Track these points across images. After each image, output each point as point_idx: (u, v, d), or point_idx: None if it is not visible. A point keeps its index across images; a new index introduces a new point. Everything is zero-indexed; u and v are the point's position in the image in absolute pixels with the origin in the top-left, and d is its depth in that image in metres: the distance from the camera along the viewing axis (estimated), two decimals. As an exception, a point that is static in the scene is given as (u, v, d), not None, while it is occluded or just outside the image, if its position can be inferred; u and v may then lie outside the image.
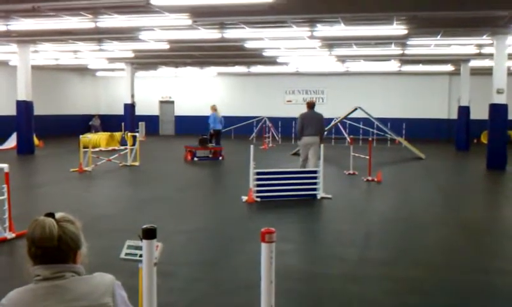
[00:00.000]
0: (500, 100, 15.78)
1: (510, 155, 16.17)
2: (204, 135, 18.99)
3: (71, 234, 1.91)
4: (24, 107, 19.17)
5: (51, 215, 1.91)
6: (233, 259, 6.58)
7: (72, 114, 31.66)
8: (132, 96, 26.24)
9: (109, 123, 30.89)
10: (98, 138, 21.99)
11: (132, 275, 3.71)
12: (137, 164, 16.11)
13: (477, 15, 12.56)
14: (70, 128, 29.57)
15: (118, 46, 18.80)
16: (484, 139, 24.01)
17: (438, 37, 15.82)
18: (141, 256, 2.99)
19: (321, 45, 17.82)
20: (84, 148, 15.15)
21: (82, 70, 30.85)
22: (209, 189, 13.16)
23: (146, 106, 32.19)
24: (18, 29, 14.75)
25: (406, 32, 14.05)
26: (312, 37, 15.21)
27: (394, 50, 18.79)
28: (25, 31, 15.33)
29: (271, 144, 24.49)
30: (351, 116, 21.93)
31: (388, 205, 10.56)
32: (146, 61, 24.48)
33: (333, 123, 22.58)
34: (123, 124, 25.83)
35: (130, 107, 26.05)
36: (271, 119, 28.58)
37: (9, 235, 7.20)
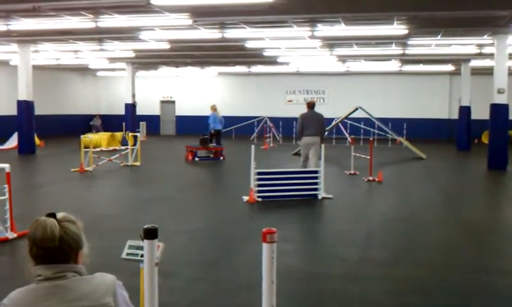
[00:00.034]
0: (500, 100, 15.77)
1: (511, 155, 16.16)
2: (205, 135, 19.01)
3: (72, 234, 1.91)
4: (25, 107, 19.18)
5: (52, 215, 1.91)
6: (234, 260, 6.58)
7: (73, 114, 31.67)
8: (133, 96, 26.26)
9: (110, 123, 30.89)
10: (99, 138, 21.99)
11: (134, 275, 3.71)
12: (138, 164, 16.11)
13: (477, 15, 12.55)
14: (71, 128, 29.59)
15: (118, 46, 18.81)
16: (485, 139, 23.99)
17: (439, 37, 15.81)
18: (142, 256, 2.99)
19: (322, 45, 17.82)
20: (85, 148, 15.15)
21: (83, 70, 30.86)
22: (210, 189, 13.16)
23: (147, 106, 32.19)
24: (19, 29, 14.75)
25: (406, 32, 14.05)
26: (312, 37, 15.20)
27: (395, 50, 18.79)
28: (26, 31, 15.34)
29: (271, 144, 24.49)
30: (351, 116, 21.92)
31: (389, 205, 10.55)
32: (146, 60, 24.49)
33: (334, 123, 22.57)
34: (124, 124, 25.84)
35: (131, 107, 26.06)
36: (272, 119, 28.59)
37: (11, 235, 7.20)
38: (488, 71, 18.55)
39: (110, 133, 23.55)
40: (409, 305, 5.19)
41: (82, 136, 16.17)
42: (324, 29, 14.21)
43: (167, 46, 17.83)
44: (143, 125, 29.35)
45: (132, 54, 21.25)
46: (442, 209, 10.18)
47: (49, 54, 21.81)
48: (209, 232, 8.16)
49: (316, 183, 10.70)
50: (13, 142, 21.05)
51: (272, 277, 2.84)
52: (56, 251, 1.86)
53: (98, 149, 17.17)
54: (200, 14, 12.45)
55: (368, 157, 13.95)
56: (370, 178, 13.22)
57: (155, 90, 33.33)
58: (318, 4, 12.09)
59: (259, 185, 10.33)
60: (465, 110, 23.07)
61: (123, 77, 28.14)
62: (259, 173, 10.42)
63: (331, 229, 8.63)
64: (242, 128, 29.91)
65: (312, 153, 11.81)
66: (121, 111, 26.88)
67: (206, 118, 19.98)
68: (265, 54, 19.97)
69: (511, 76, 17.68)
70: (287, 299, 5.02)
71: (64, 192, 11.69)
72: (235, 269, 6.15)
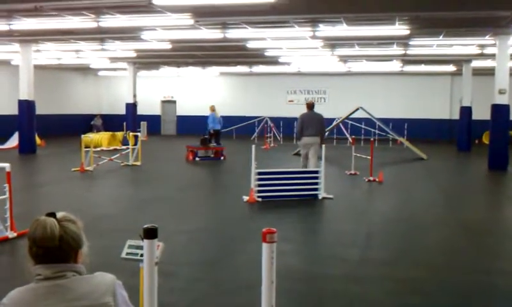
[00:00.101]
0: (502, 100, 15.77)
1: (512, 156, 16.18)
2: (205, 135, 19.05)
3: (72, 234, 1.91)
4: (26, 106, 19.21)
5: (52, 214, 1.91)
6: (234, 259, 6.58)
7: (74, 114, 31.68)
8: (134, 95, 26.28)
9: (110, 122, 30.92)
10: (100, 138, 21.99)
11: (133, 275, 3.71)
12: (138, 163, 16.12)
13: (479, 15, 12.55)
14: (72, 127, 29.60)
15: (120, 46, 18.82)
16: (485, 139, 23.97)
17: (440, 37, 15.81)
18: (142, 255, 3.00)
19: (323, 45, 17.81)
20: (86, 147, 15.16)
21: (84, 70, 30.88)
22: (210, 189, 13.16)
23: (148, 106, 32.20)
24: (21, 29, 14.77)
25: (408, 32, 14.05)
26: (314, 37, 15.20)
27: (396, 50, 18.78)
28: (28, 31, 15.35)
29: (272, 144, 24.50)
30: (352, 116, 21.91)
31: (390, 205, 10.55)
32: (148, 60, 24.50)
33: (334, 123, 22.58)
34: (124, 124, 25.87)
35: (132, 107, 26.08)
36: (273, 119, 28.60)
37: (11, 234, 7.21)
38: (489, 72, 18.55)
39: (111, 133, 23.56)
40: (409, 305, 5.19)
41: (83, 136, 16.19)
42: (325, 29, 14.20)
43: (168, 46, 17.84)
44: (143, 124, 29.36)
45: (134, 54, 21.27)
46: (443, 209, 10.17)
47: (51, 53, 21.84)
48: (209, 232, 8.16)
49: (316, 183, 10.70)
50: (13, 141, 21.06)
51: (272, 277, 2.84)
52: (55, 250, 1.86)
53: (98, 149, 17.19)
54: (202, 14, 12.45)
55: (368, 157, 13.95)
56: (371, 179, 13.22)
57: (156, 90, 33.34)
58: (319, 4, 12.09)
59: (259, 185, 10.33)
60: (466, 111, 23.06)
61: (124, 77, 28.16)
62: (259, 173, 10.42)
63: (332, 229, 8.62)
64: (243, 128, 29.92)
65: (312, 153, 11.82)
66: (122, 111, 26.90)
67: (207, 118, 20.03)
68: (266, 54, 19.98)
69: (512, 77, 17.67)
70: (287, 299, 5.02)
71: (65, 191, 11.70)
72: (235, 269, 6.15)
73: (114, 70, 29.53)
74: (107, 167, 15.13)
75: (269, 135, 25.71)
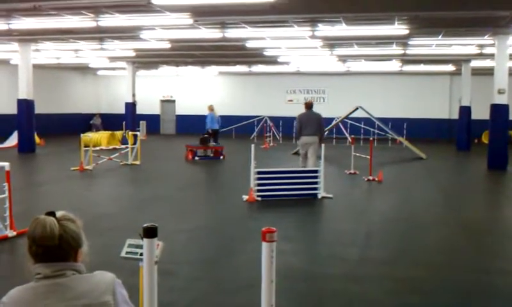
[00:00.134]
0: (501, 100, 15.77)
1: (511, 155, 16.16)
2: (205, 134, 19.06)
3: (72, 233, 1.91)
4: (25, 105, 19.19)
5: (52, 213, 1.91)
6: (234, 259, 6.58)
7: (73, 113, 31.67)
8: (133, 95, 26.25)
9: (110, 121, 30.90)
10: (99, 137, 21.99)
11: (133, 274, 3.71)
12: (138, 162, 16.11)
13: (478, 15, 12.55)
14: (71, 126, 29.59)
15: (119, 45, 18.81)
16: (485, 139, 23.99)
17: (440, 37, 15.81)
18: (141, 254, 3.00)
19: (322, 45, 17.81)
20: (85, 146, 15.15)
21: (83, 69, 30.86)
22: (210, 188, 13.16)
23: (147, 105, 32.19)
24: (20, 28, 14.75)
25: (407, 32, 14.05)
26: (313, 37, 15.20)
27: (395, 50, 18.79)
28: (27, 30, 15.33)
29: (271, 144, 24.51)
30: (352, 115, 21.92)
31: (389, 205, 10.55)
32: (147, 60, 24.49)
33: (334, 122, 22.59)
34: (124, 123, 25.83)
35: (131, 106, 26.05)
36: (272, 118, 28.59)
37: (10, 233, 7.21)
38: (489, 72, 18.55)
39: (110, 132, 23.54)
40: (409, 305, 5.19)
41: (82, 135, 16.17)
42: (324, 29, 14.20)
43: (167, 45, 17.83)
44: (143, 124, 29.35)
45: (133, 53, 21.25)
46: (442, 209, 10.18)
47: (50, 53, 21.82)
48: (209, 231, 8.16)
49: (316, 183, 10.70)
50: (13, 140, 21.05)
51: (271, 277, 2.84)
52: (55, 249, 1.86)
53: (98, 148, 17.17)
54: (201, 13, 12.44)
55: (368, 157, 13.95)
56: (370, 178, 13.22)
57: (155, 89, 33.32)
58: (319, 3, 12.09)
59: (259, 185, 10.34)
60: (465, 111, 23.07)
61: (123, 76, 28.13)
62: (259, 172, 10.43)
63: (331, 228, 8.62)
64: (242, 128, 29.91)
65: (311, 152, 11.83)
66: (122, 110, 26.87)
67: (205, 117, 20.05)
68: (265, 53, 19.97)
69: (511, 76, 17.67)
70: (287, 298, 5.02)
71: (64, 190, 11.70)
72: (234, 268, 6.15)
73: (113, 69, 29.51)
74: (107, 167, 15.12)
75: (268, 134, 25.71)
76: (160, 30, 14.96)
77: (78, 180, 13.20)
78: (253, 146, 10.42)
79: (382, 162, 17.13)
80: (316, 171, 10.83)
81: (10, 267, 6.20)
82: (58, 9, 12.39)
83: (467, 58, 21.72)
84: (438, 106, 29.40)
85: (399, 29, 13.76)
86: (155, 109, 33.47)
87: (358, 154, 14.93)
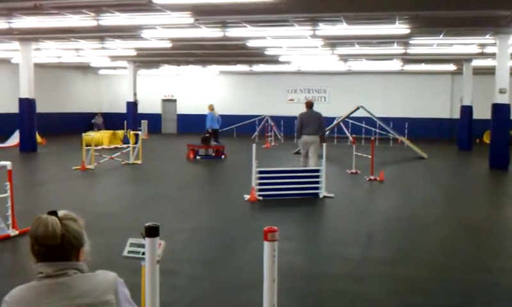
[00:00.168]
0: (502, 99, 15.76)
1: (512, 155, 16.16)
2: (206, 134, 19.07)
3: (74, 232, 1.91)
4: (27, 104, 19.21)
5: (54, 213, 1.91)
6: (236, 258, 6.58)
7: (75, 112, 31.69)
8: (135, 94, 26.26)
9: (111, 121, 30.94)
10: (101, 136, 21.99)
11: (135, 273, 3.71)
12: (139, 162, 16.11)
13: (479, 15, 12.53)
14: (73, 126, 29.61)
15: (120, 44, 18.81)
16: (486, 138, 23.95)
17: (441, 36, 15.80)
18: (143, 254, 3.00)
19: (323, 44, 17.80)
20: (87, 146, 15.17)
21: (84, 68, 30.88)
22: (211, 188, 13.15)
23: (149, 104, 32.20)
24: (21, 27, 14.76)
25: (408, 31, 14.04)
26: (314, 36, 15.19)
27: (396, 49, 18.77)
28: (28, 29, 15.34)
29: (273, 143, 24.50)
30: (353, 115, 21.91)
31: (391, 204, 10.54)
32: (148, 59, 24.50)
33: (335, 122, 22.58)
34: (125, 122, 25.86)
35: (132, 105, 26.07)
36: (273, 118, 28.58)
37: (13, 232, 7.22)
38: (490, 71, 18.53)
39: (111, 131, 23.55)
40: (410, 305, 5.18)
41: (83, 134, 16.19)
42: (325, 28, 14.20)
43: (169, 44, 17.83)
44: (144, 123, 29.36)
45: (134, 53, 21.26)
46: (444, 209, 10.16)
47: (51, 52, 21.83)
48: (210, 230, 8.16)
49: (317, 182, 10.71)
50: (14, 140, 21.07)
51: (273, 276, 2.84)
52: (57, 248, 1.86)
53: (99, 147, 17.19)
54: (202, 13, 12.45)
55: (369, 156, 13.94)
56: (372, 177, 13.22)
57: (156, 88, 33.33)
58: (320, 3, 12.08)
59: (260, 184, 10.34)
60: (467, 110, 23.06)
61: (124, 76, 28.14)
62: (260, 172, 10.43)
63: (333, 228, 8.62)
64: (243, 127, 29.91)
65: (312, 151, 11.83)
66: (123, 109, 26.89)
67: (206, 117, 20.05)
68: (266, 53, 19.97)
69: (512, 76, 17.66)
70: (288, 297, 5.02)
71: (66, 190, 11.70)
72: (236, 268, 6.14)
73: (115, 68, 29.52)
74: (108, 166, 15.13)
75: (269, 134, 25.71)
76: (161, 29, 14.96)
77: (79, 179, 13.20)
78: (254, 145, 10.42)
79: (383, 161, 17.11)
80: (317, 171, 10.83)
81: (12, 266, 6.21)
82: (59, 8, 12.40)
83: (468, 57, 21.70)
84: (439, 106, 29.38)
85: (400, 28, 13.75)
86: (157, 108, 33.49)
87: (359, 153, 14.92)
